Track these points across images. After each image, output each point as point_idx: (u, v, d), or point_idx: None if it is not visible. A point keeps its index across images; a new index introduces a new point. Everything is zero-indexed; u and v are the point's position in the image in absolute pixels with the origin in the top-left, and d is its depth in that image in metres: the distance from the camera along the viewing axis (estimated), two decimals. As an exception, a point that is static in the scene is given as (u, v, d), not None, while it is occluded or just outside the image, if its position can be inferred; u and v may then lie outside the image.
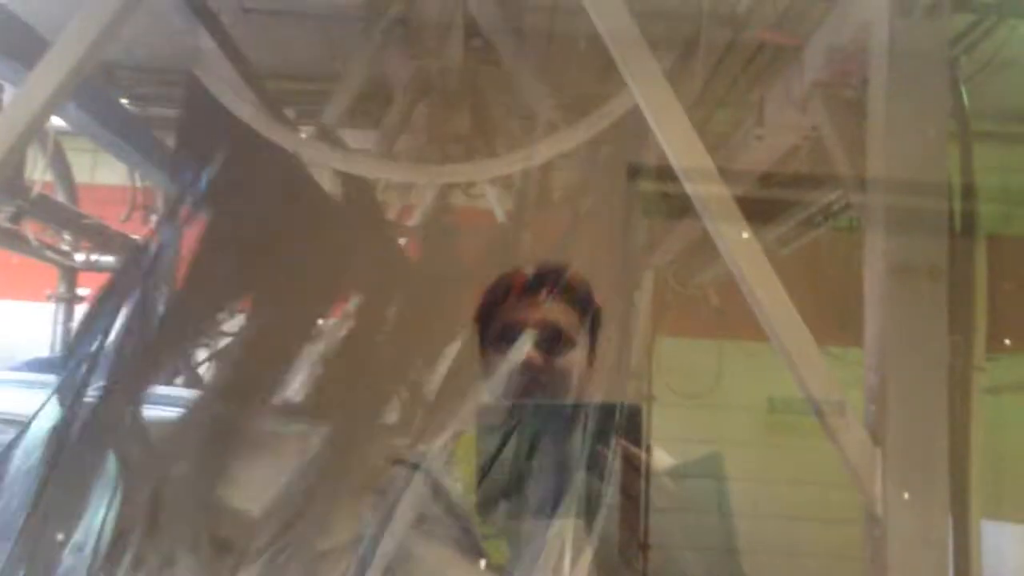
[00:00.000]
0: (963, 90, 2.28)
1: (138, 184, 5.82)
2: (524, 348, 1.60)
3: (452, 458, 1.63)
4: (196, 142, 2.89)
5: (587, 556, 1.49)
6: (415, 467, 1.65)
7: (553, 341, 1.59)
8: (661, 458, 1.79)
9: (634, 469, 1.49)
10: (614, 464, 1.47)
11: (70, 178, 4.98)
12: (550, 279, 1.66)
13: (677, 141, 2.10)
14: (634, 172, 2.87)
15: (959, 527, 2.02)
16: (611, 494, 1.47)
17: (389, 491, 1.65)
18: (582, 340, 1.63)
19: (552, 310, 1.62)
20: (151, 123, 4.93)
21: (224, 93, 2.82)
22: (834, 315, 2.47)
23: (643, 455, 1.51)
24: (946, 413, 1.99)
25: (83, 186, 5.38)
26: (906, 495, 1.93)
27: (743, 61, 3.56)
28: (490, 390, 1.60)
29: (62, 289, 5.32)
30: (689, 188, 2.11)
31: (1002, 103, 4.28)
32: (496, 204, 5.40)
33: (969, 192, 2.17)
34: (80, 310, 5.51)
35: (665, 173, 3.00)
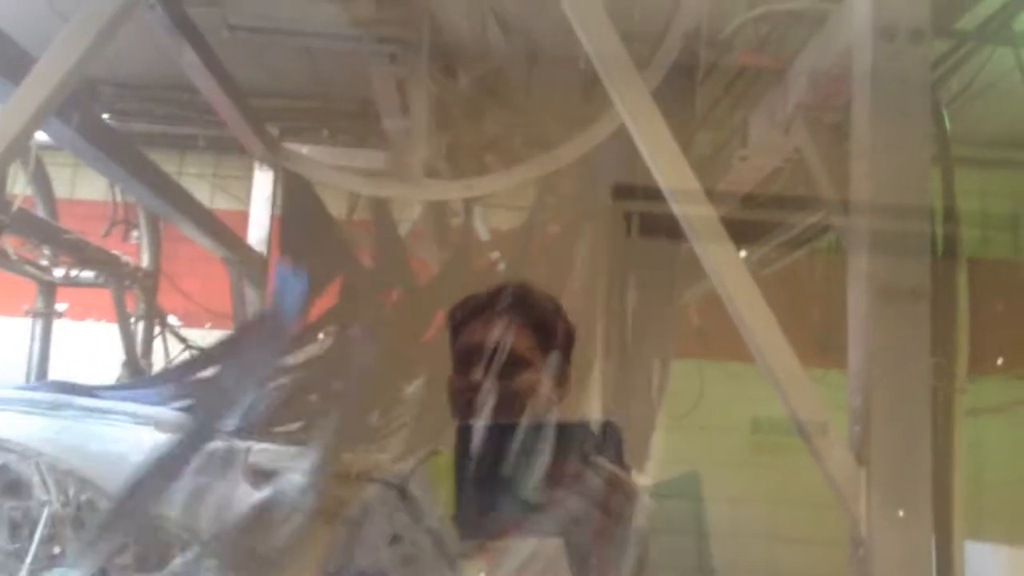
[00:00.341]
0: (944, 114, 2.31)
1: (119, 199, 5.81)
2: (474, 372, 1.59)
3: (428, 477, 1.63)
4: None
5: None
6: (390, 486, 1.64)
7: (505, 364, 1.58)
8: (637, 477, 1.79)
9: (613, 488, 1.48)
10: (592, 483, 1.46)
11: (50, 193, 4.94)
12: (506, 299, 1.65)
13: (664, 162, 2.12)
14: (619, 192, 2.89)
15: (942, 548, 2.04)
16: (590, 513, 1.46)
17: (362, 510, 1.64)
18: (541, 361, 1.61)
19: (506, 331, 1.61)
20: (133, 138, 4.93)
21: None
22: (814, 337, 2.50)
23: (622, 474, 1.50)
24: (930, 434, 2.00)
25: (63, 201, 5.34)
26: (898, 513, 1.94)
27: (726, 84, 3.61)
28: (452, 412, 1.60)
29: (40, 304, 5.26)
30: (676, 208, 2.13)
31: (980, 128, 4.34)
32: (480, 224, 5.42)
33: (951, 215, 2.19)
34: (58, 325, 5.47)
35: (650, 194, 3.03)
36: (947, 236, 2.18)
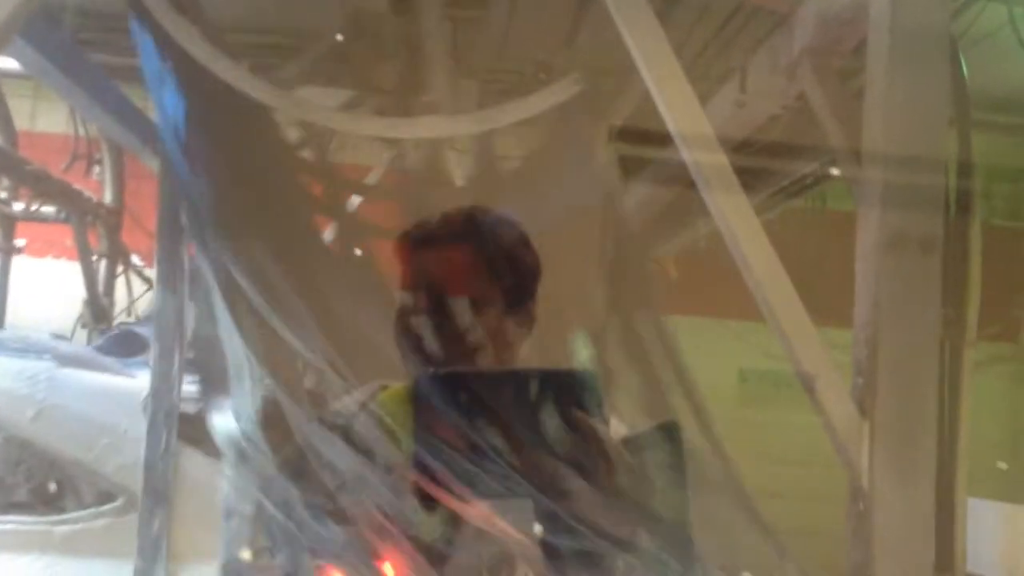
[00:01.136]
0: (964, 67, 2.26)
1: (81, 132, 5.60)
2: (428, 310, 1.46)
3: (377, 415, 1.51)
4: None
5: (534, 537, 1.41)
6: (333, 426, 1.52)
7: (461, 301, 1.47)
8: (615, 428, 1.73)
9: (588, 440, 1.40)
10: (565, 435, 1.38)
11: (10, 122, 4.73)
12: (461, 226, 1.52)
13: (676, 105, 2.04)
14: (616, 135, 2.81)
15: (945, 503, 2.03)
16: (563, 466, 1.39)
17: (300, 453, 1.52)
18: (501, 296, 1.49)
19: (461, 264, 1.49)
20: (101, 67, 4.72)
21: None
22: (802, 293, 2.44)
23: (598, 425, 1.42)
24: (936, 388, 1.98)
25: (21, 133, 5.13)
26: (901, 466, 1.92)
27: (719, 25, 3.53)
28: (401, 353, 1.48)
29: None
30: (686, 154, 2.05)
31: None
32: (456, 168, 5.31)
33: (966, 171, 2.16)
34: (17, 262, 5.30)
35: (645, 137, 2.96)
36: (961, 191, 2.14)
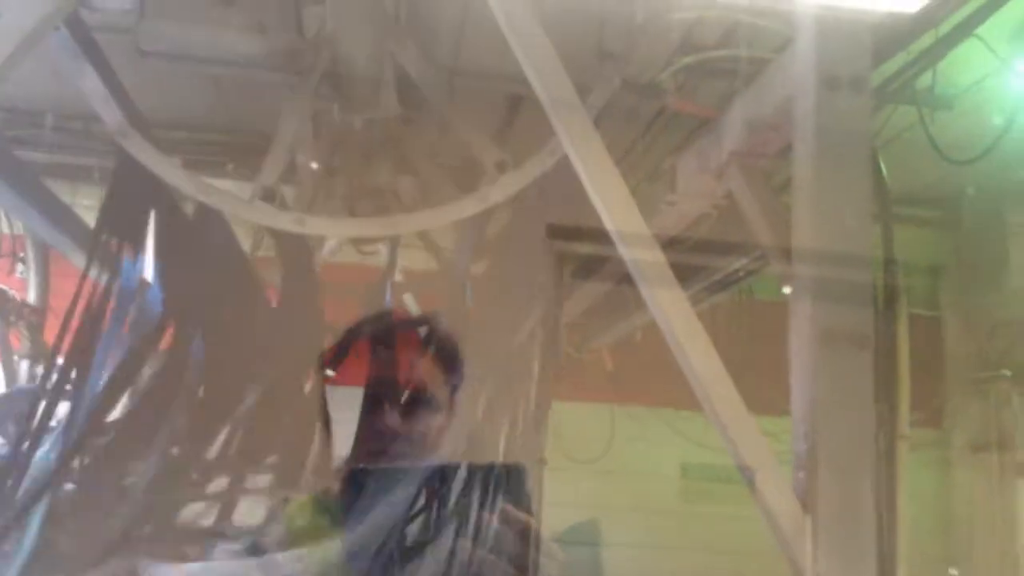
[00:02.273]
0: (882, 166, 2.37)
1: (5, 230, 5.47)
2: (389, 411, 1.47)
3: (285, 529, 1.48)
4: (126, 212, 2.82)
5: None
6: (242, 550, 1.48)
7: (419, 403, 1.48)
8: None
9: (519, 535, 1.39)
10: (496, 530, 1.37)
11: (-68, 222, 4.61)
12: (417, 334, 1.54)
13: (613, 204, 2.09)
14: (554, 232, 2.86)
15: (887, 594, 2.04)
16: (493, 562, 1.37)
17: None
18: (445, 399, 1.51)
19: (417, 368, 1.50)
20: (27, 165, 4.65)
21: (159, 164, 2.70)
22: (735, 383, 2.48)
23: (529, 520, 1.41)
24: (873, 480, 2.01)
25: (-56, 232, 5.01)
26: (843, 560, 1.93)
27: (646, 128, 3.64)
28: (347, 453, 1.47)
29: (-87, 340, 4.89)
30: (624, 251, 2.10)
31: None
32: (390, 261, 5.32)
33: (891, 266, 2.24)
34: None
35: (582, 234, 3.02)
36: (887, 286, 2.22)
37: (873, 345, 2.04)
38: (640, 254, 2.05)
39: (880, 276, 2.20)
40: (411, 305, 4.57)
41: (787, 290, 2.11)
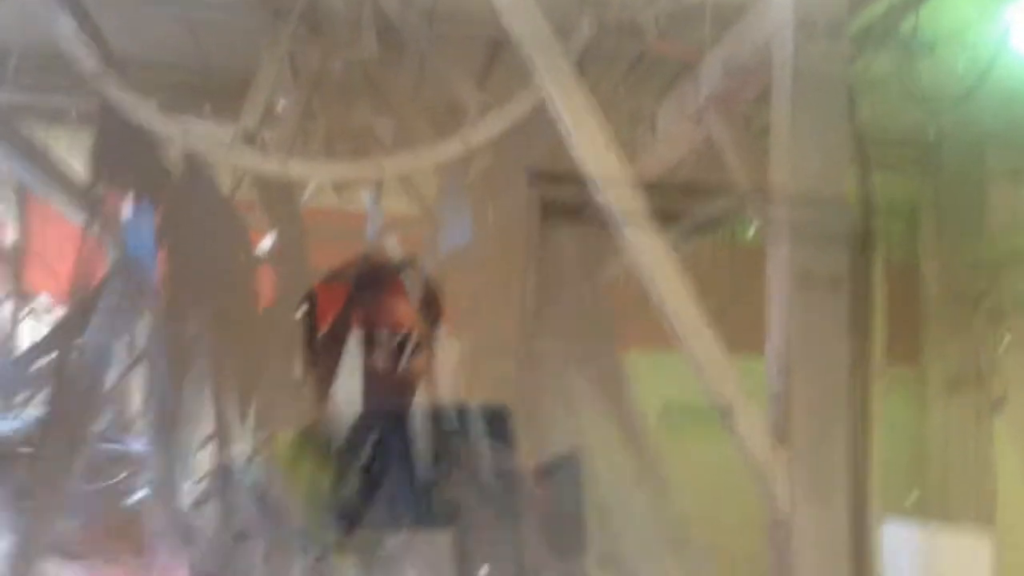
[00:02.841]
0: (860, 110, 2.38)
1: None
2: (376, 351, 1.50)
3: (274, 462, 1.52)
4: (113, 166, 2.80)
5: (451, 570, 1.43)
6: (227, 476, 1.52)
7: (401, 346, 1.51)
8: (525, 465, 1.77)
9: (503, 476, 1.44)
10: (479, 470, 1.41)
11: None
12: (399, 277, 1.57)
13: (591, 147, 2.10)
14: (534, 176, 2.88)
15: (859, 526, 2.11)
16: (478, 504, 1.42)
17: (196, 505, 1.51)
18: (429, 341, 1.55)
19: (402, 310, 1.53)
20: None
21: (137, 107, 2.68)
22: (717, 325, 2.52)
23: (512, 461, 1.46)
24: (847, 416, 2.07)
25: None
26: (817, 493, 1.99)
27: (626, 72, 3.63)
28: (332, 395, 1.50)
29: None
30: (601, 194, 2.12)
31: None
32: (371, 207, 5.30)
33: (867, 208, 2.27)
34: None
35: (563, 178, 3.03)
36: (863, 228, 2.26)
37: (848, 286, 2.08)
38: (618, 198, 2.07)
39: (857, 220, 2.23)
40: (392, 250, 4.58)
41: (753, 232, 2.15)
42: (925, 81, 3.62)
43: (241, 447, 1.61)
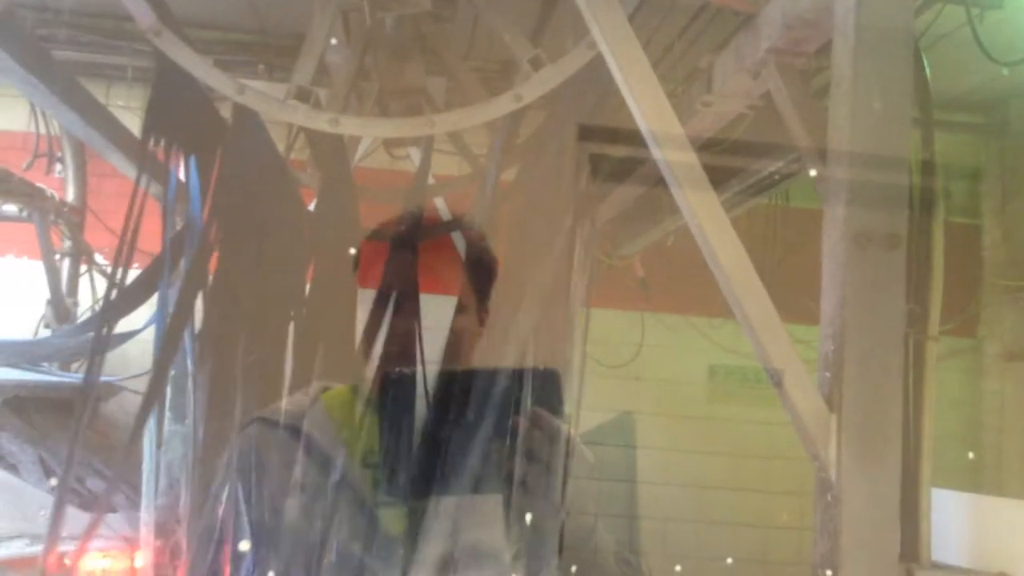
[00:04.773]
0: (925, 64, 2.31)
1: (41, 130, 5.52)
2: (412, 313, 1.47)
3: (326, 416, 1.51)
4: (169, 121, 2.81)
5: (499, 531, 1.42)
6: (282, 426, 1.50)
7: (452, 307, 1.48)
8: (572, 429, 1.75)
9: (551, 440, 1.42)
10: (528, 433, 1.40)
11: (-32, 120, 4.66)
12: (449, 237, 1.54)
13: (646, 103, 2.06)
14: (586, 133, 2.84)
15: (910, 494, 2.07)
16: (527, 467, 1.40)
17: (247, 457, 1.49)
18: (476, 301, 1.52)
19: (450, 272, 1.50)
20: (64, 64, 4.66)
21: (194, 63, 2.69)
22: (767, 290, 2.47)
23: (560, 423, 1.44)
24: (901, 381, 2.02)
25: (-24, 131, 5.09)
26: (868, 459, 1.96)
27: (691, 24, 3.56)
28: (376, 355, 1.48)
29: (-42, 238, 5.00)
30: (656, 152, 2.08)
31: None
32: (423, 164, 5.30)
33: (929, 168, 2.20)
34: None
35: (616, 136, 2.99)
36: (924, 187, 2.19)
37: (905, 247, 2.03)
38: (673, 155, 2.03)
39: (918, 179, 2.17)
40: (442, 209, 4.59)
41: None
42: (993, 36, 3.49)
43: (290, 401, 1.61)
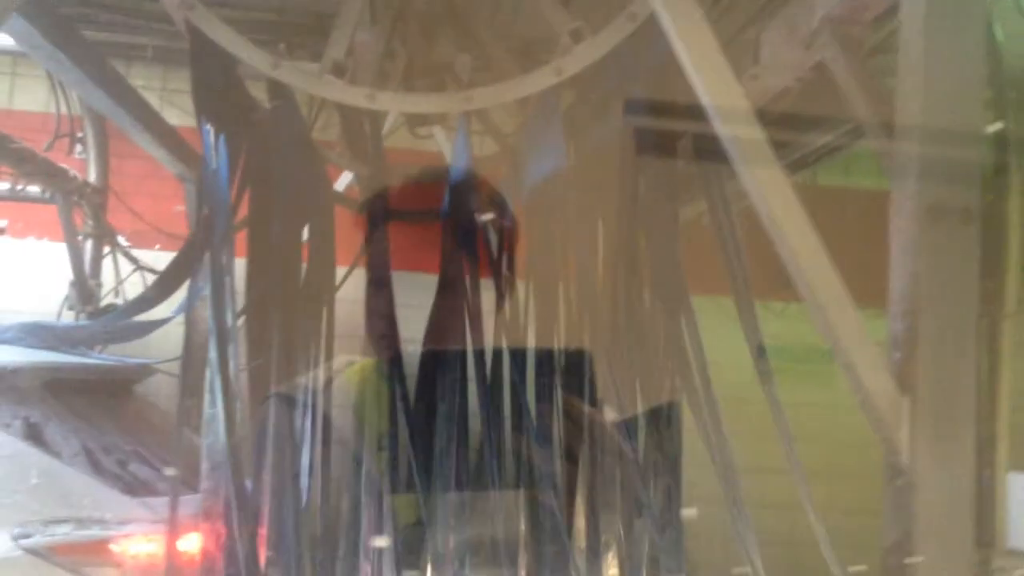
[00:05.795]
0: (997, 31, 2.22)
1: (63, 110, 5.45)
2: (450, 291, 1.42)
3: (349, 390, 1.46)
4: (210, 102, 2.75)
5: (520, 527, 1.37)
6: (298, 402, 1.46)
7: (474, 282, 1.42)
8: (607, 413, 1.69)
9: (576, 424, 1.36)
10: (552, 419, 1.34)
11: (-10, 101, 4.60)
12: (443, 203, 1.48)
13: (710, 76, 1.98)
14: (632, 108, 2.76)
15: (985, 478, 2.02)
16: (549, 452, 1.34)
17: (260, 431, 1.46)
18: (505, 275, 1.46)
19: (482, 255, 1.45)
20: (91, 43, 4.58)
21: (227, 37, 2.61)
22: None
23: (590, 408, 1.38)
24: (975, 360, 1.95)
25: (0, 112, 5.02)
26: (941, 442, 1.90)
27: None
28: (387, 332, 1.43)
29: (-20, 221, 4.95)
30: (720, 128, 2.00)
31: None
32: (445, 145, 5.21)
33: (1003, 140, 2.12)
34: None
35: (663, 110, 2.91)
36: (998, 160, 2.11)
37: (979, 220, 1.95)
38: (738, 131, 1.95)
39: (991, 151, 2.09)
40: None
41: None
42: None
43: (312, 374, 1.58)
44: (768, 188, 1.97)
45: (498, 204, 1.68)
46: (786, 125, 3.28)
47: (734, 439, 5.43)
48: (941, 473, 1.95)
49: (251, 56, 2.79)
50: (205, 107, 2.77)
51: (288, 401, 1.51)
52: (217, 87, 2.92)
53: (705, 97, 1.98)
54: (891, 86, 2.17)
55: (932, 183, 1.99)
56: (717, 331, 5.57)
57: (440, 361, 1.42)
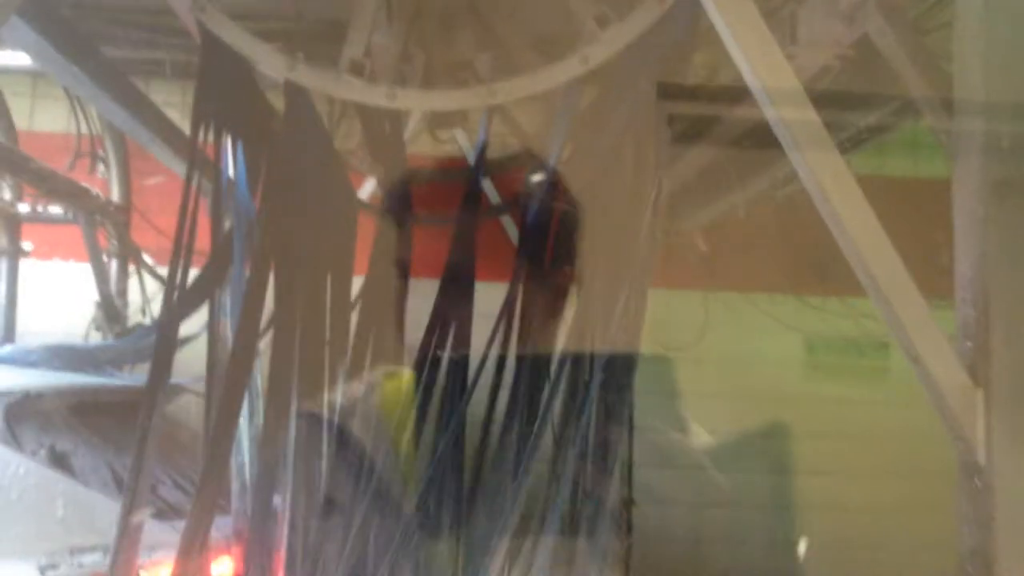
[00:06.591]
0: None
1: (83, 130, 5.40)
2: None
3: (380, 406, 1.38)
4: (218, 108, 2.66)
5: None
6: (324, 422, 1.40)
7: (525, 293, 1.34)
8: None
9: (621, 429, 1.27)
10: (597, 420, 1.25)
11: (9, 119, 4.54)
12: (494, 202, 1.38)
13: (758, 56, 1.86)
14: (666, 92, 2.63)
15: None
16: (598, 458, 1.25)
17: (276, 452, 1.39)
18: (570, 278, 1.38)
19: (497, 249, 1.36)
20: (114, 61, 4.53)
21: (242, 39, 2.52)
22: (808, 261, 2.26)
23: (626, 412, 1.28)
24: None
25: (20, 133, 4.96)
26: (1013, 440, 1.76)
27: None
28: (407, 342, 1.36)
29: (4, 242, 4.89)
30: (769, 111, 1.87)
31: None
32: (467, 148, 5.11)
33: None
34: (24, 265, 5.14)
35: (698, 93, 2.78)
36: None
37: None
38: (790, 113, 1.83)
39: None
40: (489, 191, 4.40)
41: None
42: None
43: (345, 391, 1.51)
44: (824, 174, 1.84)
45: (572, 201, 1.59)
46: (825, 108, 3.15)
47: (783, 440, 5.21)
48: (1018, 471, 1.81)
49: (265, 58, 2.70)
50: (210, 113, 2.68)
51: (316, 420, 1.44)
52: (229, 92, 2.83)
53: (752, 79, 1.86)
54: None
55: (997, 158, 1.85)
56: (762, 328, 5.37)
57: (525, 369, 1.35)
